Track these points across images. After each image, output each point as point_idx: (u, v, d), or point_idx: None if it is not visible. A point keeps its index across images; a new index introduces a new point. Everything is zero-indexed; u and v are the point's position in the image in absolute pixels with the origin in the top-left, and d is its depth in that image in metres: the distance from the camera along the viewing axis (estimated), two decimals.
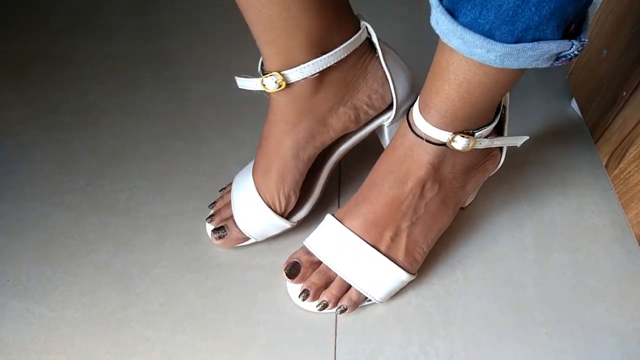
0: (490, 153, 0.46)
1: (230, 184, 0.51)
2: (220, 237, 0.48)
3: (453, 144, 0.39)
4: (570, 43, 0.30)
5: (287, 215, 0.48)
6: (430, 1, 0.31)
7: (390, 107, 0.47)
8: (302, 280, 0.45)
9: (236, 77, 0.42)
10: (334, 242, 0.44)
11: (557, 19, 0.29)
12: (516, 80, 0.35)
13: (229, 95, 0.66)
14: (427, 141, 0.40)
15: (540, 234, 0.52)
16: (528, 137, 0.45)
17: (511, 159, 0.58)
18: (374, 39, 0.43)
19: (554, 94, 0.66)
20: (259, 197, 0.46)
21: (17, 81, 0.69)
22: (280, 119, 0.44)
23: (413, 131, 0.40)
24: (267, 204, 0.47)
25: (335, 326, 0.45)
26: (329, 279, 0.45)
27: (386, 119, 0.48)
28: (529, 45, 0.29)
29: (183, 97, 0.66)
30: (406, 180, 0.43)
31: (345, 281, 0.44)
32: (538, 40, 0.29)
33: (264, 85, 0.40)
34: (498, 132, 0.45)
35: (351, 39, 0.41)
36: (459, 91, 0.35)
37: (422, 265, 0.47)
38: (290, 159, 0.45)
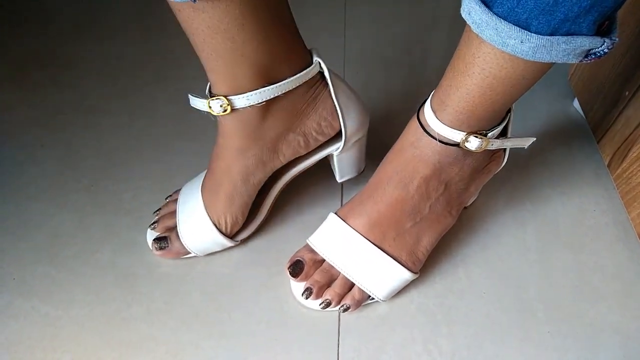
0: (494, 154, 0.46)
1: (177, 192, 0.51)
2: (160, 248, 0.48)
3: (467, 144, 0.39)
4: (602, 40, 0.30)
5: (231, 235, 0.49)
6: None
7: (340, 133, 0.46)
8: (306, 278, 0.45)
9: (189, 95, 0.42)
10: (338, 240, 0.45)
11: (595, 13, 0.28)
12: (539, 77, 0.35)
13: None
14: (440, 141, 0.39)
15: (543, 233, 0.52)
16: (535, 139, 0.44)
17: (514, 159, 0.59)
18: (326, 74, 0.42)
19: (556, 94, 0.66)
20: (207, 215, 0.46)
21: (21, 82, 0.69)
22: (229, 144, 0.43)
23: (425, 130, 0.40)
24: (213, 223, 0.47)
25: (339, 325, 0.45)
26: (332, 277, 0.45)
27: (335, 149, 0.47)
28: (564, 38, 0.29)
29: (186, 97, 0.67)
30: (412, 179, 0.42)
31: (348, 279, 0.44)
32: (573, 34, 0.29)
33: (210, 107, 0.40)
34: (502, 132, 0.45)
35: (300, 74, 0.40)
36: (481, 86, 0.35)
37: (425, 264, 0.47)
38: (239, 183, 0.45)
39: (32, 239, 0.52)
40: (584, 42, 0.30)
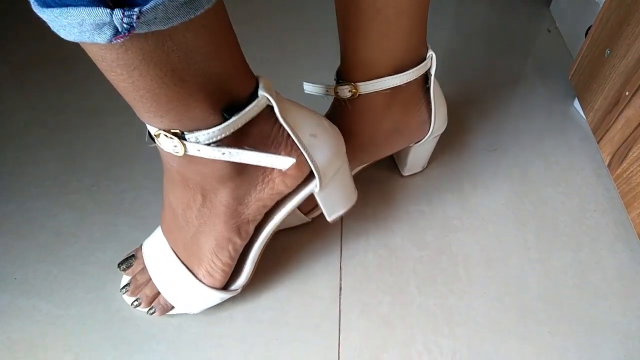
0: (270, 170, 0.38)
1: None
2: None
3: (158, 142, 0.34)
4: (108, 13, 0.24)
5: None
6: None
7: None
8: (132, 273, 0.46)
9: (304, 83, 0.42)
10: (154, 245, 0.44)
11: None
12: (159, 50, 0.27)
13: None
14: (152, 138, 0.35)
15: (543, 233, 0.52)
16: (294, 161, 0.36)
17: (514, 159, 0.59)
18: (432, 70, 0.45)
19: (556, 94, 0.66)
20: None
21: (23, 83, 0.70)
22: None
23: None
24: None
25: (339, 325, 0.46)
26: (148, 279, 0.45)
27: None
28: (57, 10, 0.24)
29: None
30: (168, 186, 0.40)
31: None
32: (67, 5, 0.24)
33: (337, 93, 0.43)
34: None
35: (422, 64, 0.43)
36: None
37: (425, 263, 0.47)
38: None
39: (33, 238, 0.52)
40: (82, 15, 0.24)
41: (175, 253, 0.43)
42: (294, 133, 0.37)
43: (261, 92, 0.34)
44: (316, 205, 0.48)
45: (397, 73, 0.42)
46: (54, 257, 0.50)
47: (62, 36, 0.26)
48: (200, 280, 0.42)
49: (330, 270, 0.49)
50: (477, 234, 0.52)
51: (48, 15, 0.25)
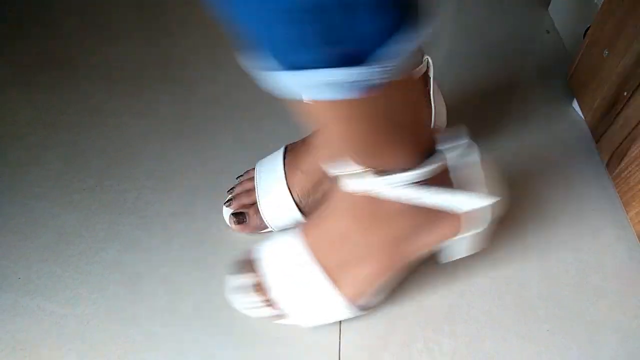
0: (443, 215, 0.40)
1: (249, 172, 0.53)
2: (239, 222, 0.50)
3: (346, 181, 0.37)
4: (356, 71, 0.25)
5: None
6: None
7: None
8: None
9: None
10: (285, 251, 0.44)
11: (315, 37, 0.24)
12: (356, 116, 0.30)
13: (234, 96, 0.67)
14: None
15: (543, 232, 0.52)
16: (497, 199, 0.39)
17: (513, 159, 0.59)
18: (430, 72, 0.46)
19: (555, 94, 0.67)
20: (289, 193, 0.49)
21: (25, 83, 0.70)
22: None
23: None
24: (295, 201, 0.49)
25: (340, 322, 0.46)
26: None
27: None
28: (302, 73, 0.25)
29: (189, 98, 0.67)
30: (345, 213, 0.41)
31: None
32: (311, 68, 0.25)
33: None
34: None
35: (417, 68, 0.44)
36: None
37: (425, 264, 0.47)
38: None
39: (37, 238, 0.52)
40: (325, 76, 0.25)
41: (322, 268, 0.42)
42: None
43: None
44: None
45: None
46: (57, 257, 0.51)
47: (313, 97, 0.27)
48: (343, 295, 0.42)
49: None
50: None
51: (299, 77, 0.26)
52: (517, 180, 0.57)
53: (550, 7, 0.81)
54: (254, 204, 0.50)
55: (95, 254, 0.51)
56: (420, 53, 0.46)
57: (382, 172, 0.36)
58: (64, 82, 0.70)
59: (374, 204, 0.39)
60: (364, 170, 0.36)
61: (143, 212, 0.54)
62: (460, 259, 0.50)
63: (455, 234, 0.42)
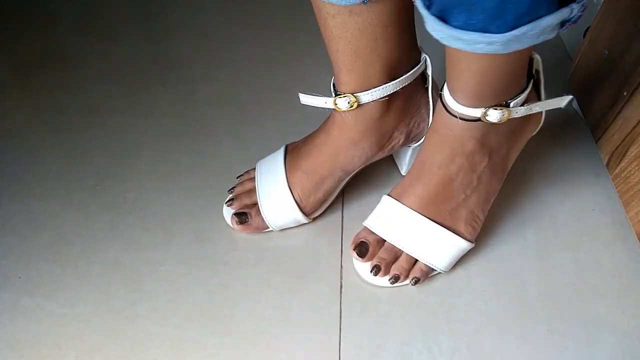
0: (530, 115, 0.46)
1: (249, 172, 0.54)
2: (241, 222, 0.50)
3: (487, 118, 0.40)
4: (569, 9, 0.30)
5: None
6: (421, 11, 0.32)
7: None
8: (372, 258, 0.47)
9: (300, 94, 0.45)
10: (395, 220, 0.46)
11: (545, 1, 0.29)
12: (529, 52, 0.36)
13: (234, 95, 0.67)
14: (462, 119, 0.41)
15: (542, 232, 0.52)
16: (572, 97, 0.45)
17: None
18: (429, 71, 0.47)
19: (554, 94, 0.66)
20: (290, 193, 0.49)
21: (25, 82, 0.70)
22: (344, 136, 0.47)
23: (448, 111, 0.42)
24: (295, 201, 0.49)
25: (340, 322, 0.46)
26: (397, 254, 0.47)
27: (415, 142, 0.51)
28: (528, 27, 0.29)
29: (189, 97, 0.67)
30: (453, 158, 0.44)
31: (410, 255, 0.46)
32: (534, 20, 0.29)
33: (336, 104, 0.44)
34: (537, 95, 0.46)
35: (415, 68, 0.45)
36: (475, 77, 0.36)
37: None
38: (338, 170, 0.49)
39: (37, 237, 0.53)
40: (551, 20, 0.30)
41: (437, 222, 0.45)
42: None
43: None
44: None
45: (393, 80, 0.43)
46: (57, 257, 0.51)
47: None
48: (464, 237, 0.46)
49: (331, 269, 0.50)
50: None
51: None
52: (517, 180, 0.57)
53: None
54: (255, 204, 0.51)
55: (95, 253, 0.51)
56: (417, 52, 0.46)
57: (509, 101, 0.40)
58: (64, 81, 0.70)
59: (479, 137, 0.42)
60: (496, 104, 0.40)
61: (143, 211, 0.54)
62: (460, 259, 0.50)
63: (536, 129, 0.48)
